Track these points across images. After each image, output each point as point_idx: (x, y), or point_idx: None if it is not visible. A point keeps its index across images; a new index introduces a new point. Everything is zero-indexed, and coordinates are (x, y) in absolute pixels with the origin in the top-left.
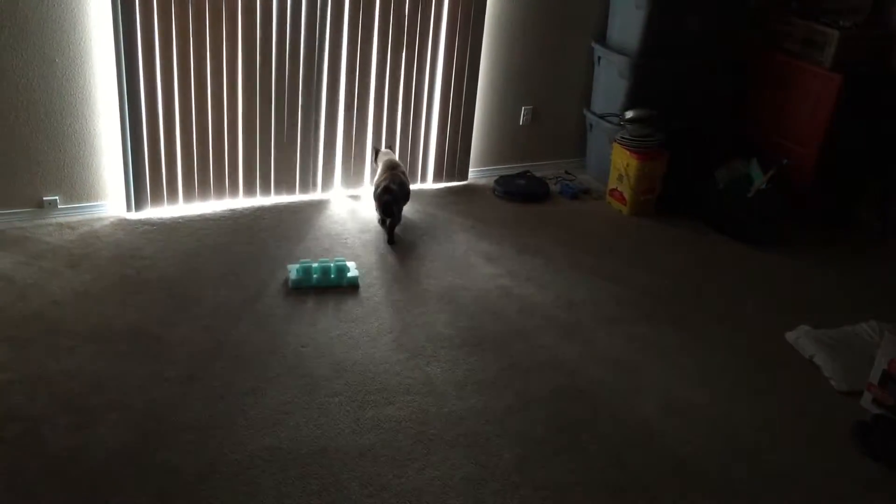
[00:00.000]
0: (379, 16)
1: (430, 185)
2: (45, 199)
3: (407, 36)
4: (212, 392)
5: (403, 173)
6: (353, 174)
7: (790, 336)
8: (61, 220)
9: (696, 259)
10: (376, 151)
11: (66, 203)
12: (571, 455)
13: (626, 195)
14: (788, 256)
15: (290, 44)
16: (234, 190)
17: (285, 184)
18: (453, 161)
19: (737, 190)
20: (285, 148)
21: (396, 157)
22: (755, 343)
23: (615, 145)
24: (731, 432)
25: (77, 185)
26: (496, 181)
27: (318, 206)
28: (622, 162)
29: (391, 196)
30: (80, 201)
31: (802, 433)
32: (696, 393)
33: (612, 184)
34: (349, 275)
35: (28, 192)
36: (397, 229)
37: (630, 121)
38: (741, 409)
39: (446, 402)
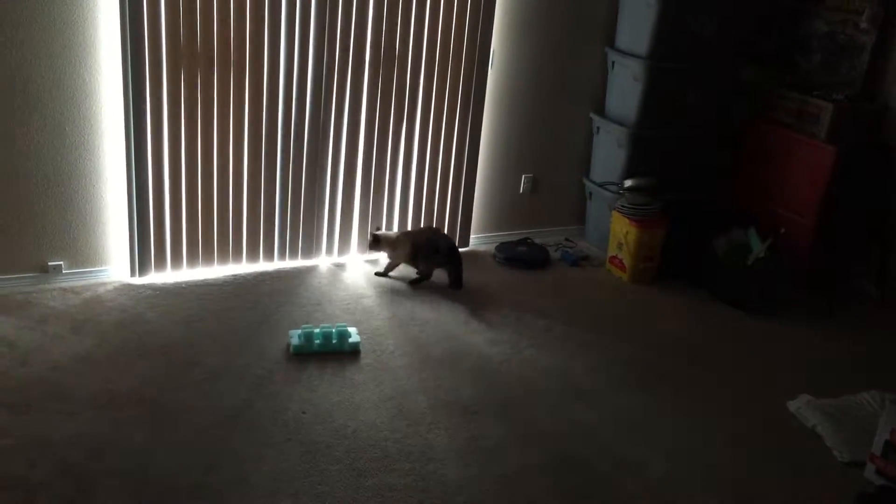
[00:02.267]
0: (382, 86)
1: None
2: (49, 263)
3: (409, 104)
4: (212, 458)
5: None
6: (356, 241)
7: (792, 405)
8: (65, 284)
9: (696, 327)
10: (375, 237)
11: (70, 268)
12: None
13: (626, 263)
14: (788, 324)
15: (295, 114)
16: (237, 255)
17: (288, 249)
18: (454, 227)
19: (735, 258)
20: (288, 215)
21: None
22: (756, 412)
23: (614, 213)
24: (734, 502)
25: (82, 250)
26: (497, 248)
27: (320, 271)
28: (622, 230)
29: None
30: (84, 266)
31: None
32: (698, 462)
33: (612, 251)
34: (351, 340)
35: (33, 256)
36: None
37: (629, 189)
38: (742, 478)
39: (447, 470)
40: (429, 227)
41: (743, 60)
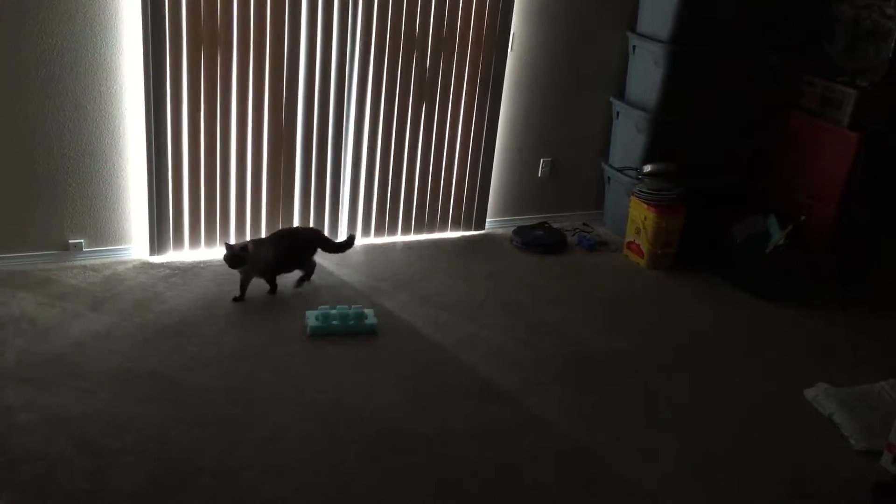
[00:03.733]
0: (402, 68)
1: (448, 234)
2: (70, 241)
3: (429, 88)
4: (229, 438)
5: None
6: (374, 222)
7: (809, 393)
8: (86, 262)
9: (713, 314)
10: (244, 248)
11: (90, 246)
12: None
13: (644, 248)
14: (805, 313)
15: (317, 93)
16: (255, 235)
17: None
18: (471, 211)
19: (754, 246)
20: (307, 195)
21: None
22: (773, 400)
23: (633, 199)
24: (751, 489)
25: (102, 228)
26: (514, 232)
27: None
28: (640, 215)
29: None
30: (104, 244)
31: (821, 492)
32: (714, 450)
33: (630, 236)
34: (367, 321)
35: (54, 234)
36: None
37: (648, 174)
38: (758, 465)
39: (463, 453)
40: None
41: (766, 45)
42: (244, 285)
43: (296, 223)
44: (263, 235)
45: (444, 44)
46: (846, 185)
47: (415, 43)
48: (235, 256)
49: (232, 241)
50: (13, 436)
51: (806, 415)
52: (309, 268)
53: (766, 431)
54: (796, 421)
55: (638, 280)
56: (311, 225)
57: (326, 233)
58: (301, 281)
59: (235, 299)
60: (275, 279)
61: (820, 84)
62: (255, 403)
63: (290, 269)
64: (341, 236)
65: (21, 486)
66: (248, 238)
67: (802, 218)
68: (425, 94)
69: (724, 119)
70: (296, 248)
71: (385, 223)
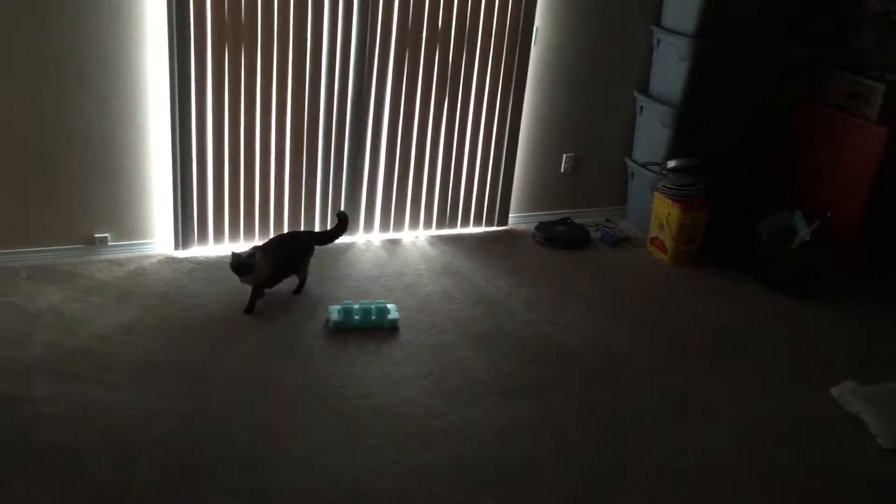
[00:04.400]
0: (424, 63)
1: (470, 229)
2: (96, 235)
3: (451, 82)
4: (253, 430)
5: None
6: (395, 217)
7: (835, 391)
8: (111, 256)
9: (738, 310)
10: (251, 255)
11: (116, 240)
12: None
13: (667, 244)
14: (832, 310)
15: (337, 91)
16: (278, 230)
17: (328, 225)
18: (493, 206)
19: (780, 242)
20: (329, 191)
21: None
22: (799, 397)
23: (656, 194)
24: (777, 488)
25: (127, 223)
26: (536, 227)
27: (360, 248)
28: (663, 211)
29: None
30: (129, 239)
31: (849, 490)
32: (737, 446)
33: (653, 232)
34: (390, 317)
35: (80, 228)
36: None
37: (672, 170)
38: (783, 463)
39: (484, 448)
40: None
41: (793, 39)
42: (254, 295)
43: (318, 218)
44: (286, 230)
45: (466, 38)
46: (874, 180)
47: (437, 37)
48: (243, 264)
49: (237, 249)
50: (40, 427)
51: (832, 413)
52: (305, 273)
53: (791, 429)
54: (822, 419)
55: (661, 276)
56: (329, 220)
57: (355, 230)
58: (300, 289)
59: (248, 311)
60: (267, 289)
61: (848, 78)
62: (278, 397)
63: (289, 275)
64: (359, 230)
65: (48, 476)
66: (257, 239)
67: (829, 214)
68: (448, 88)
69: (749, 114)
70: (297, 251)
71: (406, 218)
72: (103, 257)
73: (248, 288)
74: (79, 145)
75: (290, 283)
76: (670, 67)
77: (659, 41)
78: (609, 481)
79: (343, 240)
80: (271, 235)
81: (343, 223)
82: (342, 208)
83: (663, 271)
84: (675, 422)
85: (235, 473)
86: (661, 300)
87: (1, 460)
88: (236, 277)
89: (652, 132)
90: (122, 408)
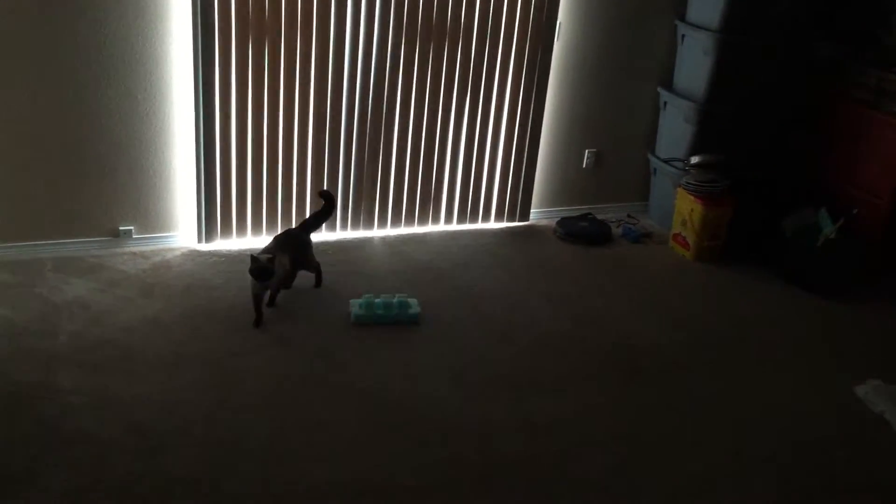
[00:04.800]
0: (447, 57)
1: (491, 224)
2: (120, 228)
3: (473, 76)
4: (275, 423)
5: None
6: (418, 212)
7: (859, 390)
8: (135, 249)
9: (762, 308)
10: (271, 259)
11: (140, 233)
12: (630, 500)
13: (690, 241)
14: (857, 308)
15: (360, 85)
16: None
17: (350, 220)
18: (515, 201)
19: (805, 239)
20: (351, 185)
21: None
22: (823, 396)
23: (679, 190)
24: (799, 486)
25: (151, 216)
26: (558, 223)
27: (381, 242)
28: (686, 207)
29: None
30: (153, 232)
31: (872, 490)
32: (762, 445)
33: (676, 228)
34: (411, 311)
35: (105, 221)
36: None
37: (696, 166)
38: (807, 462)
39: (506, 444)
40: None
41: (820, 34)
42: (260, 301)
43: (339, 212)
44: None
45: (489, 33)
46: None
47: (460, 31)
48: (265, 270)
49: (281, 229)
50: (66, 417)
51: (856, 412)
52: (315, 263)
53: (815, 428)
54: (846, 418)
55: (684, 273)
56: (350, 215)
57: (377, 225)
58: (319, 281)
59: (258, 323)
60: (284, 289)
61: (875, 75)
62: (301, 390)
63: (301, 269)
64: (385, 224)
65: (74, 466)
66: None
67: (855, 211)
68: (470, 83)
69: (774, 110)
70: (299, 245)
71: (428, 213)
72: (127, 250)
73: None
74: (105, 140)
75: (308, 276)
76: (695, 63)
77: (684, 36)
78: (632, 478)
79: (364, 233)
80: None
81: (329, 203)
82: (364, 203)
83: (686, 267)
84: (698, 418)
85: (258, 466)
86: (683, 297)
87: (27, 449)
88: None
89: (675, 128)
90: (146, 399)
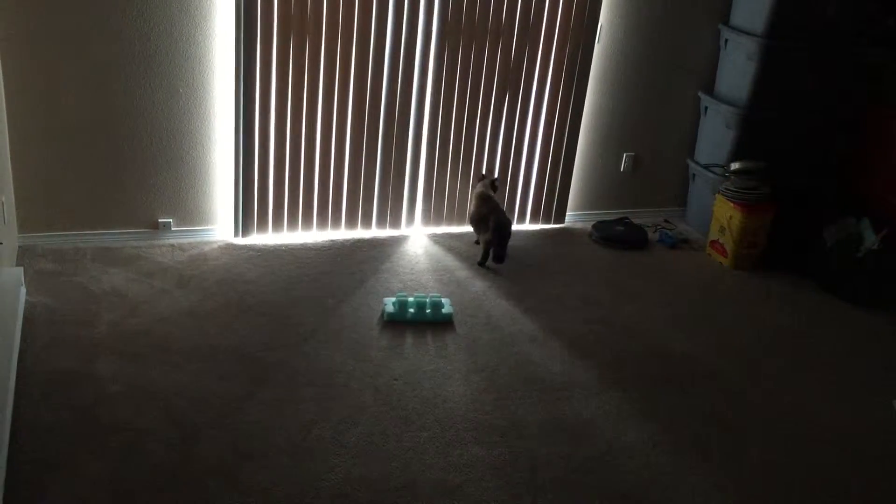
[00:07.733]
0: (487, 58)
1: (527, 226)
2: (159, 221)
3: (512, 78)
4: (306, 418)
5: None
6: (455, 212)
7: None
8: (173, 241)
9: (801, 317)
10: (482, 177)
11: (178, 226)
12: None
13: (728, 248)
14: None
15: (400, 85)
16: (336, 221)
17: (386, 218)
18: (551, 203)
19: (847, 249)
20: (388, 183)
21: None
22: (860, 409)
23: (718, 197)
24: (838, 496)
25: (190, 209)
26: (594, 226)
27: (415, 241)
28: (725, 214)
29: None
30: (191, 225)
31: None
32: (798, 458)
33: (714, 235)
34: (444, 311)
35: (145, 213)
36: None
37: (736, 172)
38: (843, 476)
39: (535, 446)
40: (487, 196)
41: (866, 40)
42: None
43: (375, 211)
44: (343, 225)
45: (528, 34)
46: None
47: (500, 33)
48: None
49: (319, 226)
50: (103, 405)
51: (894, 425)
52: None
53: (852, 442)
54: (885, 432)
55: (721, 280)
56: (388, 213)
57: (404, 224)
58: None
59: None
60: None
61: None
62: (332, 385)
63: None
64: (418, 224)
65: (110, 454)
66: (314, 229)
67: None
68: (509, 84)
69: (818, 117)
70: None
71: (464, 214)
72: (166, 242)
73: (306, 274)
74: (147, 133)
75: (342, 273)
76: (738, 67)
77: (727, 41)
78: (665, 486)
79: (398, 232)
80: (329, 227)
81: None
82: (399, 202)
83: (723, 274)
84: (730, 428)
85: (286, 459)
86: (720, 304)
87: (65, 436)
88: (293, 266)
89: (715, 133)
90: (181, 389)
